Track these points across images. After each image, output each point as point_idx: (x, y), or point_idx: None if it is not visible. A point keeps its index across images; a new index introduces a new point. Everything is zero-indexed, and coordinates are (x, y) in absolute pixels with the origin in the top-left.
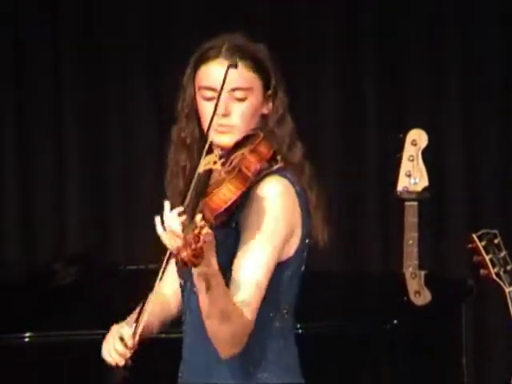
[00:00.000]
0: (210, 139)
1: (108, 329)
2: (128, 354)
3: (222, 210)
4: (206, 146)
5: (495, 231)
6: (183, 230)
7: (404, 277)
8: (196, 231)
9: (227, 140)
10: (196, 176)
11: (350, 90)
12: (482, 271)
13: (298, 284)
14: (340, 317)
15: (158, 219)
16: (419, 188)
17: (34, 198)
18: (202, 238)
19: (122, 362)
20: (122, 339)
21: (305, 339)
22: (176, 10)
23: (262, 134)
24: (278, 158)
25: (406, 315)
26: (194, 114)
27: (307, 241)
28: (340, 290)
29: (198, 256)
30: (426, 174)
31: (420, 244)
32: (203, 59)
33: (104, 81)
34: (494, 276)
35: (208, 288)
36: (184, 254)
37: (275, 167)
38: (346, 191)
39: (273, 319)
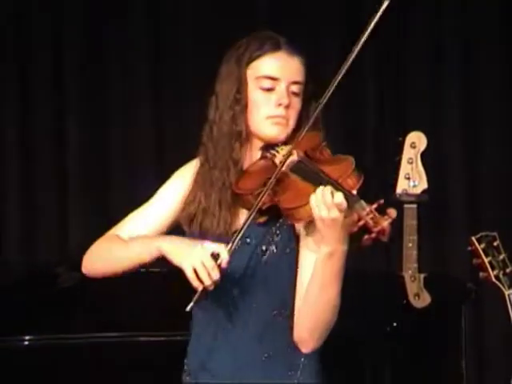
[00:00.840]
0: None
1: (109, 331)
2: (218, 277)
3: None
4: (302, 133)
5: (494, 234)
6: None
7: (403, 279)
8: (374, 205)
9: (281, 132)
10: (289, 168)
11: (350, 92)
12: (481, 274)
13: None
14: (339, 319)
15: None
16: (418, 191)
17: (37, 199)
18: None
19: (211, 287)
20: (214, 256)
21: None
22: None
23: (318, 134)
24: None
25: (405, 318)
26: (246, 106)
27: None
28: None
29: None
30: (425, 177)
31: (419, 247)
32: (262, 51)
33: (106, 84)
34: (494, 278)
35: (339, 277)
36: (386, 224)
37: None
38: None
39: None
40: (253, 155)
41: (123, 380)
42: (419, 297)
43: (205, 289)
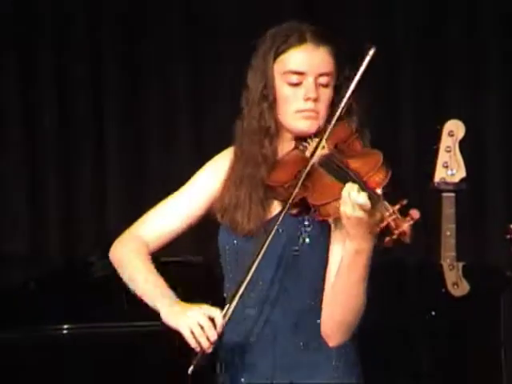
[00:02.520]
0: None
1: (143, 320)
2: (215, 338)
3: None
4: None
5: None
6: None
7: (442, 268)
8: (396, 207)
9: (312, 125)
10: (318, 162)
11: (386, 80)
12: None
13: None
14: (379, 308)
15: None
16: (456, 179)
17: (74, 194)
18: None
19: (209, 349)
20: (211, 320)
21: None
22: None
23: (351, 124)
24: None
25: (444, 306)
26: (274, 101)
27: None
28: (378, 282)
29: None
30: (464, 165)
31: (457, 235)
32: (288, 45)
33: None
34: None
35: (365, 273)
36: (406, 227)
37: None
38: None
39: None
40: (284, 148)
41: (160, 368)
42: (458, 285)
43: (203, 351)
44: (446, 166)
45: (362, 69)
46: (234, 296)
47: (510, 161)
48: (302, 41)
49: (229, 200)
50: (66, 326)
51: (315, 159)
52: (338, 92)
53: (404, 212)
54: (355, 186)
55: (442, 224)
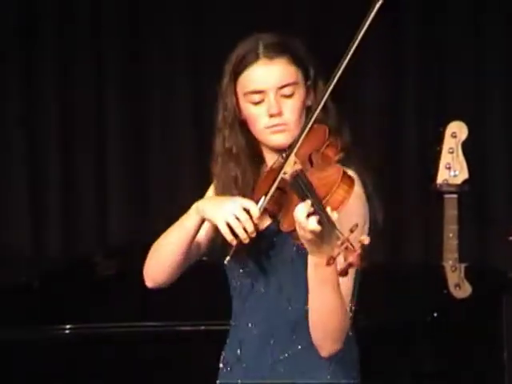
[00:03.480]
0: (300, 140)
1: (147, 321)
2: (252, 229)
3: (340, 210)
4: (295, 149)
5: None
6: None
7: (444, 270)
8: (347, 235)
9: (284, 139)
10: (288, 179)
11: (390, 81)
12: None
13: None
14: (380, 309)
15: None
16: (459, 181)
17: (76, 192)
18: (359, 243)
19: (246, 240)
20: (246, 211)
21: None
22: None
23: (325, 126)
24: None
25: (446, 308)
26: (237, 122)
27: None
28: (380, 283)
29: (363, 258)
30: (466, 167)
31: (460, 237)
32: (243, 65)
33: (147, 85)
34: None
35: (330, 284)
36: (352, 259)
37: (337, 157)
38: (386, 184)
39: (350, 313)
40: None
41: (162, 369)
42: (460, 287)
43: (240, 243)
44: (449, 168)
45: (367, 23)
46: (269, 188)
47: None
48: (255, 58)
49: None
50: (68, 326)
51: (287, 177)
52: (312, 92)
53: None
54: (305, 210)
55: (444, 225)
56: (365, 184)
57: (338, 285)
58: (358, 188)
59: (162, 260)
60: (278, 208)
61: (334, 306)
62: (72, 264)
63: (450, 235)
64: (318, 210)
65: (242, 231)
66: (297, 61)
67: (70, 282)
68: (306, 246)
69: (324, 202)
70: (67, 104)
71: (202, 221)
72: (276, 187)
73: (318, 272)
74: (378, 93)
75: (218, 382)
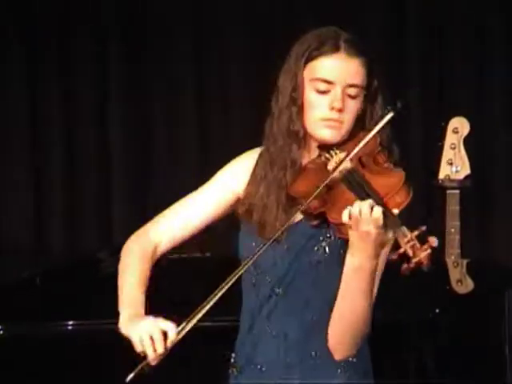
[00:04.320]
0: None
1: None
2: (161, 352)
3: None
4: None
5: None
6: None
7: (446, 265)
8: (415, 233)
9: (334, 135)
10: (341, 176)
11: (392, 77)
12: None
13: None
14: (382, 306)
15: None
16: (461, 176)
17: (79, 189)
18: (429, 242)
19: (154, 361)
20: (164, 333)
21: None
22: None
23: (376, 136)
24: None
25: (448, 304)
26: (301, 106)
27: None
28: (381, 279)
29: (431, 258)
30: (468, 162)
31: (462, 232)
32: (321, 51)
33: (148, 77)
34: None
35: (366, 288)
36: (423, 256)
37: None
38: None
39: None
40: (311, 156)
41: (165, 365)
42: (462, 283)
43: (148, 363)
44: (451, 163)
45: (377, 127)
46: (195, 315)
47: None
48: (335, 49)
49: (258, 201)
50: (70, 322)
51: (337, 174)
52: (368, 102)
53: (422, 239)
54: (368, 201)
55: (446, 221)
56: None
57: (372, 291)
58: None
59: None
60: (321, 203)
61: (363, 312)
62: (75, 261)
63: (452, 230)
64: (380, 205)
65: (152, 351)
66: (368, 67)
67: (73, 279)
68: (355, 242)
69: (385, 199)
70: (70, 101)
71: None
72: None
73: (357, 277)
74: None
75: None
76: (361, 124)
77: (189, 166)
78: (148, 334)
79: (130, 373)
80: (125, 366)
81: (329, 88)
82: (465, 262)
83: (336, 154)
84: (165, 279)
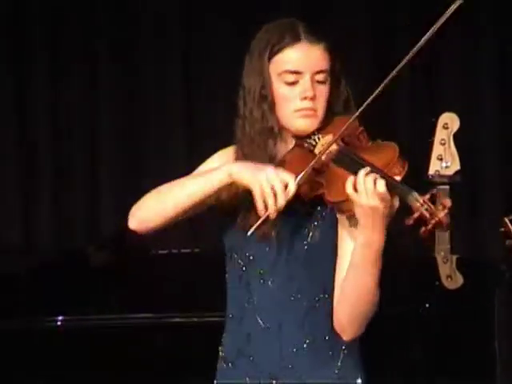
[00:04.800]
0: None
1: (139, 313)
2: (282, 204)
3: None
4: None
5: None
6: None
7: (436, 261)
8: (427, 196)
9: (310, 124)
10: (331, 157)
11: (382, 73)
12: None
13: None
14: None
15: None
16: (451, 172)
17: (68, 180)
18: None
19: (273, 214)
20: (284, 185)
21: None
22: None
23: (348, 118)
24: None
25: (437, 299)
26: (272, 102)
27: None
28: None
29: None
30: (458, 158)
31: (452, 228)
32: (283, 43)
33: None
34: None
35: (375, 265)
36: (443, 215)
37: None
38: None
39: None
40: (283, 148)
41: (156, 362)
42: (452, 278)
43: (268, 216)
44: (441, 159)
45: (442, 20)
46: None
47: (504, 153)
48: (296, 39)
49: (240, 202)
50: (60, 318)
51: (327, 155)
52: (333, 85)
53: (435, 202)
54: (371, 175)
55: None
56: None
57: (380, 267)
58: None
59: (164, 207)
60: (315, 187)
61: (372, 288)
62: (63, 255)
63: None
64: (382, 175)
65: (273, 202)
66: (330, 51)
67: (61, 273)
68: (362, 218)
69: (386, 171)
70: (60, 95)
71: (228, 184)
72: (311, 168)
73: (366, 253)
74: (371, 85)
75: (216, 382)
76: (328, 107)
77: (179, 160)
78: (270, 184)
79: (121, 365)
80: (116, 360)
81: (297, 78)
82: (454, 257)
83: (319, 138)
84: (155, 275)
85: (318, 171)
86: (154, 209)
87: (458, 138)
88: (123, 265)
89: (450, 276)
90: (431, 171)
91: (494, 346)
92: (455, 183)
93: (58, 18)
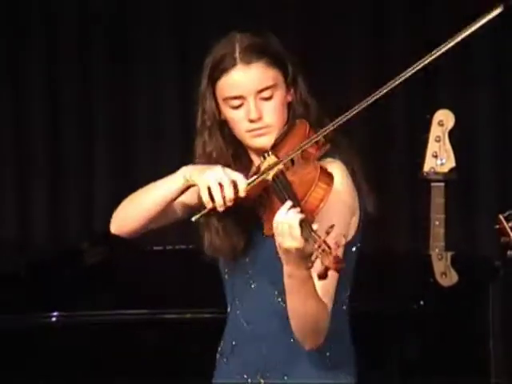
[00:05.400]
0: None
1: (133, 309)
2: (231, 198)
3: (319, 209)
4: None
5: None
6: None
7: (430, 258)
8: (323, 238)
9: (265, 142)
10: (271, 182)
11: (376, 69)
12: (509, 252)
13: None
14: (367, 297)
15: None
16: (446, 169)
17: (61, 180)
18: (335, 244)
19: (221, 208)
20: (233, 182)
21: None
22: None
23: (305, 123)
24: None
25: (432, 296)
26: (217, 126)
27: (363, 220)
28: (367, 271)
29: (340, 261)
30: (453, 155)
31: (446, 225)
32: (220, 70)
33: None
34: None
35: (306, 291)
36: (328, 262)
37: (324, 149)
38: (373, 172)
39: (343, 302)
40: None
41: (150, 356)
42: (446, 275)
43: (214, 209)
44: (436, 156)
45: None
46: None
47: (499, 150)
48: (232, 63)
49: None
50: (55, 314)
51: (269, 178)
52: (291, 88)
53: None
54: (284, 216)
55: (431, 214)
56: (353, 173)
57: (315, 290)
58: (341, 181)
59: (135, 213)
60: (263, 211)
61: (311, 311)
62: (58, 252)
63: (437, 223)
64: (299, 211)
65: (220, 197)
66: (275, 62)
67: (57, 269)
68: (281, 255)
69: (303, 202)
70: (54, 89)
71: (186, 187)
72: (261, 189)
73: (290, 283)
74: (365, 81)
75: (215, 372)
76: (289, 114)
77: (173, 157)
78: (217, 181)
79: (116, 361)
80: (111, 356)
81: (241, 101)
82: (449, 254)
83: (269, 155)
84: (150, 271)
85: (265, 190)
86: (128, 214)
87: (453, 135)
88: (118, 261)
89: (445, 273)
90: (426, 168)
91: (488, 342)
92: (450, 180)
93: (54, 18)
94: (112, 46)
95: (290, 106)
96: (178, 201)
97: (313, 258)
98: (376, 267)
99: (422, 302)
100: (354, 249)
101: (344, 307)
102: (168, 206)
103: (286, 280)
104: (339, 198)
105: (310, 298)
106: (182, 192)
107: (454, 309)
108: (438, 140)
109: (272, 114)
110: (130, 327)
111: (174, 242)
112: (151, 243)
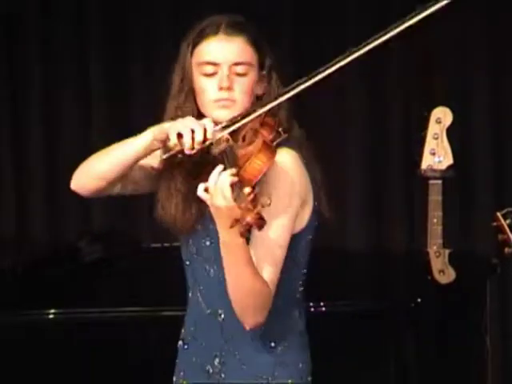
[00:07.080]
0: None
1: (131, 306)
2: (200, 140)
3: (258, 179)
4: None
5: None
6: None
7: (428, 255)
8: (249, 198)
9: (227, 115)
10: (217, 154)
11: (374, 67)
12: (506, 250)
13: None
14: (364, 295)
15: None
16: (443, 166)
17: (60, 176)
18: (259, 202)
19: (190, 150)
20: (204, 129)
21: (329, 317)
22: None
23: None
24: (280, 130)
25: (430, 293)
26: (191, 92)
27: (317, 212)
28: (364, 269)
29: (262, 218)
30: (451, 153)
31: (444, 223)
32: (203, 35)
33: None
34: None
35: (241, 261)
36: (249, 218)
37: (281, 138)
38: (371, 170)
39: (295, 291)
40: None
41: (147, 355)
42: (444, 273)
43: (181, 152)
44: (433, 153)
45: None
46: (236, 120)
47: (497, 148)
48: (215, 32)
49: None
50: (52, 311)
51: (216, 151)
52: (265, 81)
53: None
54: (216, 171)
55: (428, 211)
56: (305, 166)
57: (251, 263)
58: (291, 166)
59: (97, 170)
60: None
61: (247, 284)
62: (56, 249)
63: (435, 221)
64: (233, 175)
65: (190, 139)
66: (254, 43)
67: (54, 267)
68: (213, 213)
69: (242, 170)
70: (50, 80)
71: (151, 149)
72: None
73: (227, 249)
74: (362, 78)
75: (177, 360)
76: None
77: None
78: (188, 127)
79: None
80: (108, 354)
81: (215, 69)
82: (447, 251)
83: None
84: (148, 268)
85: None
86: (89, 174)
87: (451, 132)
88: (116, 259)
89: (443, 270)
90: (424, 166)
91: (486, 339)
92: (448, 178)
93: (48, 11)
94: (112, 45)
95: (257, 98)
96: (139, 165)
97: (238, 216)
98: (374, 265)
99: (419, 300)
100: (306, 239)
101: (298, 296)
102: (129, 168)
103: (222, 250)
104: (285, 179)
105: (245, 269)
106: (146, 152)
107: (452, 306)
108: (435, 137)
109: (241, 90)
110: (127, 325)
111: (173, 240)
112: (149, 241)
